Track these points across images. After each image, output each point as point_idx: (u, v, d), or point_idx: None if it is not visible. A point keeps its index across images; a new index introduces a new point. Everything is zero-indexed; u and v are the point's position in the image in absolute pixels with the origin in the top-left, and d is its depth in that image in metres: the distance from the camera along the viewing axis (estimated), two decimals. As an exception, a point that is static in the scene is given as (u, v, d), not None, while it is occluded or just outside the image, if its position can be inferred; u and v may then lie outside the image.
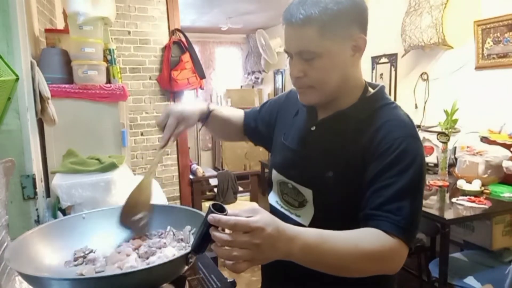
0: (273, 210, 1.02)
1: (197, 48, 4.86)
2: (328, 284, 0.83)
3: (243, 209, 0.65)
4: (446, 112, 2.55)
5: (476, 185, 2.17)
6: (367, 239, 0.72)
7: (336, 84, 0.85)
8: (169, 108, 0.96)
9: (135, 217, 0.96)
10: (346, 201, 0.83)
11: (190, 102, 1.04)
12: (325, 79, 0.83)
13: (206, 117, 1.06)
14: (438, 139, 2.57)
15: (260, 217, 0.63)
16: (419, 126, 3.10)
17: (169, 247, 0.93)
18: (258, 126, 1.13)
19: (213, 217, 0.62)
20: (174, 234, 0.97)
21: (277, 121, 1.07)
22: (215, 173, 3.94)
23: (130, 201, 0.97)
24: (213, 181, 3.71)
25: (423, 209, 2.00)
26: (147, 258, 0.90)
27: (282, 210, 0.98)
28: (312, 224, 0.87)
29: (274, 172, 1.01)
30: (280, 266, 0.89)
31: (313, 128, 0.92)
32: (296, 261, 0.67)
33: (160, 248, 0.92)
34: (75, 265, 0.89)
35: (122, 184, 1.43)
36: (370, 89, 0.90)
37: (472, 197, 2.07)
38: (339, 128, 0.87)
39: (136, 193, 0.98)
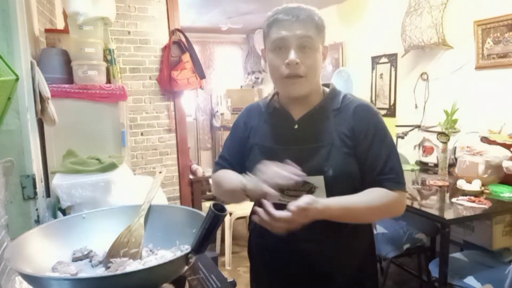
0: (279, 208, 1.04)
1: (197, 48, 4.85)
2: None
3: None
4: (446, 112, 2.55)
5: (476, 185, 2.17)
6: (379, 199, 1.00)
7: (317, 79, 1.07)
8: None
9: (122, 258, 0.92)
10: (348, 170, 1.03)
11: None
12: (315, 69, 1.03)
13: None
14: (438, 139, 2.57)
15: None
16: (419, 126, 3.10)
17: (165, 251, 0.93)
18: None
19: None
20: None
21: (250, 137, 1.16)
22: (215, 173, 3.94)
23: (119, 241, 0.95)
24: (213, 181, 3.71)
25: (423, 209, 2.04)
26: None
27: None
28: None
29: None
30: (268, 270, 1.15)
31: (296, 126, 1.08)
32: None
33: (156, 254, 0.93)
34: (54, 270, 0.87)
35: (122, 184, 1.43)
36: (325, 88, 1.13)
37: (472, 197, 2.07)
38: (320, 117, 1.08)
39: (126, 233, 0.97)
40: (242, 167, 1.15)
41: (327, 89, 1.13)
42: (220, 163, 1.21)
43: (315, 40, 1.01)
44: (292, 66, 0.99)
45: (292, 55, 0.99)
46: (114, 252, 0.92)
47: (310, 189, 1.04)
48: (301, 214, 0.88)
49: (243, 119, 1.21)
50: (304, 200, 0.89)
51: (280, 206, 1.02)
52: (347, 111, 1.07)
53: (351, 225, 1.08)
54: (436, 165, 2.81)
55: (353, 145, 1.04)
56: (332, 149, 1.03)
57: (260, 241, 1.18)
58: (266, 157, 1.07)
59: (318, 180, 1.02)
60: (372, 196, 1.00)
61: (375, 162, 1.03)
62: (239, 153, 1.18)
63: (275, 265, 1.16)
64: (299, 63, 0.99)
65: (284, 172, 0.91)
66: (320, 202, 0.91)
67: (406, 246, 2.35)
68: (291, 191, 1.05)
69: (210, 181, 3.70)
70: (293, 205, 0.88)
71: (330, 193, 1.01)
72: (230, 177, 1.10)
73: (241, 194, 1.01)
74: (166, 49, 3.37)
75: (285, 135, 1.09)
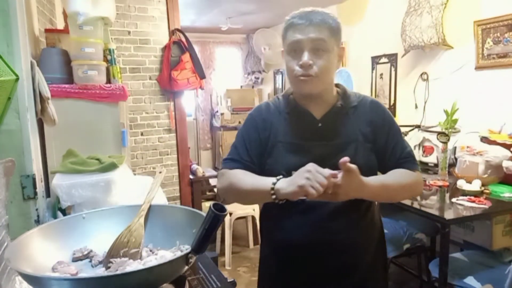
0: (305, 202, 1.08)
1: (197, 48, 4.85)
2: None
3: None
4: (446, 112, 2.55)
5: (476, 185, 2.17)
6: (406, 177, 1.10)
7: (330, 79, 1.13)
8: None
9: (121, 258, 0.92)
10: (372, 164, 1.13)
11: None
12: (328, 70, 1.08)
13: None
14: (438, 139, 2.57)
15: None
16: (419, 126, 3.10)
17: (165, 251, 0.93)
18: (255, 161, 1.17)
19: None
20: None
21: (271, 135, 1.15)
22: (215, 173, 3.94)
23: (119, 241, 0.95)
24: (213, 181, 3.71)
25: (423, 209, 2.05)
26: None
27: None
28: None
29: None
30: (289, 267, 1.19)
31: (320, 125, 1.14)
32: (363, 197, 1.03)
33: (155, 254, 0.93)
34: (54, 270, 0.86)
35: (122, 184, 1.43)
36: (336, 88, 1.20)
37: (472, 197, 2.07)
38: (341, 115, 1.15)
39: (126, 233, 0.96)
40: (260, 166, 1.15)
41: (338, 89, 1.20)
42: (235, 161, 1.15)
43: (328, 43, 1.06)
44: (305, 67, 1.06)
45: (305, 57, 1.05)
46: (114, 252, 0.92)
47: None
48: (353, 178, 0.92)
49: (261, 116, 1.19)
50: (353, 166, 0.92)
51: (308, 205, 1.10)
52: (363, 107, 1.17)
53: (369, 216, 1.19)
54: (436, 165, 2.81)
55: (373, 139, 1.14)
56: (358, 144, 1.12)
57: (284, 236, 1.17)
58: (292, 153, 1.11)
59: None
60: (400, 175, 1.11)
61: (395, 149, 1.15)
62: (259, 152, 1.16)
63: (299, 260, 1.16)
64: (311, 64, 1.05)
65: (326, 170, 0.91)
66: (363, 177, 0.95)
67: (406, 246, 2.35)
68: None
69: (214, 181, 3.70)
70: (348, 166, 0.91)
71: None
72: (253, 177, 1.08)
73: (266, 194, 0.98)
74: (166, 49, 3.37)
75: (309, 132, 1.14)
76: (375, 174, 1.15)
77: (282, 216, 1.17)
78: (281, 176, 0.99)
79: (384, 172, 1.14)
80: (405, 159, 1.14)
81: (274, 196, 0.97)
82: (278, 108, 1.19)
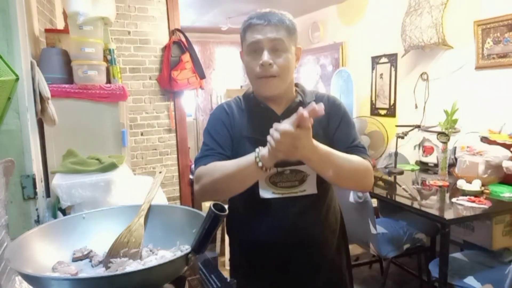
0: (273, 202, 1.14)
1: (197, 48, 4.84)
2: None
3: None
4: (446, 112, 2.55)
5: (476, 185, 2.17)
6: (355, 159, 1.07)
7: (290, 79, 1.14)
8: None
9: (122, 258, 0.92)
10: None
11: None
12: (288, 69, 1.10)
13: None
14: (438, 139, 2.57)
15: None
16: (419, 126, 3.10)
17: (165, 251, 0.93)
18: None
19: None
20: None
21: (236, 130, 1.17)
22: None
23: (119, 241, 0.94)
24: (213, 181, 3.71)
25: (423, 209, 2.05)
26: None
27: (284, 196, 1.14)
28: (319, 187, 1.15)
29: None
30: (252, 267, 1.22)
31: (281, 121, 1.09)
32: (311, 162, 0.98)
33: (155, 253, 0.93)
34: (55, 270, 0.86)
35: (122, 184, 1.43)
36: (295, 87, 1.22)
37: (472, 197, 2.07)
38: None
39: (126, 233, 0.96)
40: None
41: (297, 88, 1.23)
42: (208, 156, 1.12)
43: (286, 42, 1.08)
44: (265, 66, 1.07)
45: (265, 57, 1.07)
46: (114, 252, 0.92)
47: (302, 177, 1.14)
48: (308, 134, 0.90)
49: (225, 113, 1.19)
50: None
51: (275, 200, 1.14)
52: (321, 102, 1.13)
53: (331, 210, 1.23)
54: (436, 165, 2.81)
55: (329, 132, 1.17)
56: (318, 139, 1.08)
57: (254, 237, 1.20)
58: (256, 148, 1.05)
59: (310, 168, 1.09)
60: (350, 156, 1.07)
61: (345, 138, 1.16)
62: (229, 145, 1.15)
63: (269, 259, 1.20)
64: (272, 63, 1.07)
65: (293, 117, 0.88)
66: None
67: (406, 246, 2.35)
68: (284, 182, 1.13)
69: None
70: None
71: (319, 178, 1.13)
72: (233, 160, 1.04)
73: (253, 169, 0.96)
74: (166, 49, 3.37)
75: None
76: None
77: (250, 216, 1.19)
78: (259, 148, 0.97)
79: None
80: (356, 147, 1.13)
81: (261, 164, 0.94)
82: (240, 106, 1.22)
